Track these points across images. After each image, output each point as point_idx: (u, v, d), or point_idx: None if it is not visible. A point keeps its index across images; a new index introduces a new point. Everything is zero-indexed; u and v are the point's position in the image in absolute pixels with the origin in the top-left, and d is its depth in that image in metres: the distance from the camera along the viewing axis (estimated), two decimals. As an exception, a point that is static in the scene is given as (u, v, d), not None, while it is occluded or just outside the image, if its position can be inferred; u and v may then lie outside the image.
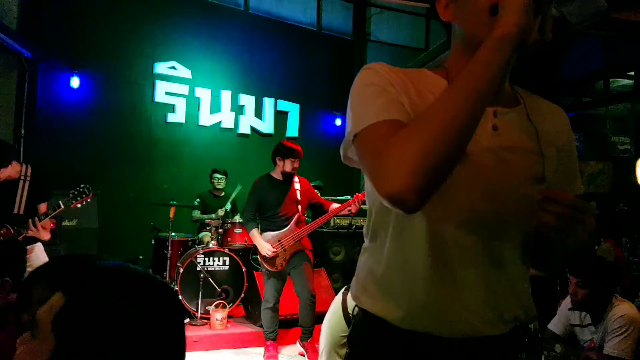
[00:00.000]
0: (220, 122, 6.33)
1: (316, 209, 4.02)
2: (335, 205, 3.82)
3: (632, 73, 5.30)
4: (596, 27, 4.48)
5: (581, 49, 5.47)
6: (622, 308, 2.36)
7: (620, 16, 3.62)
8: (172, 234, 4.61)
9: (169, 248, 4.52)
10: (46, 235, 3.16)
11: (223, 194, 5.42)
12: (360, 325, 0.99)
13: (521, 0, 0.72)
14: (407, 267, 0.88)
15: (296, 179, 3.90)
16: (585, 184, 6.07)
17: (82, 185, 3.22)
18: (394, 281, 0.90)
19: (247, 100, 6.52)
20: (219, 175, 5.38)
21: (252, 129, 6.57)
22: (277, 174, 3.83)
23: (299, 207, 3.86)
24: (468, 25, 0.87)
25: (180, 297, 4.31)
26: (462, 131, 0.71)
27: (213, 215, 5.01)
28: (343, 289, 2.48)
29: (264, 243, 3.68)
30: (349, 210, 3.69)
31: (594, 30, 4.66)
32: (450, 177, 0.74)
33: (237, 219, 4.89)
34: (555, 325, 2.64)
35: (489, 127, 0.87)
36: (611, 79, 5.63)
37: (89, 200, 3.26)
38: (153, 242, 4.95)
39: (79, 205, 3.22)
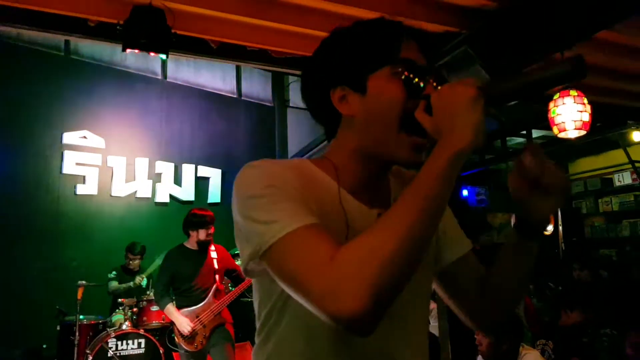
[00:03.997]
0: (135, 192, 6.09)
1: (234, 279, 3.89)
2: None
3: (524, 132, 6.00)
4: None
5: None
6: (529, 357, 2.49)
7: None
8: (81, 317, 4.22)
9: (77, 334, 4.12)
10: None
11: (139, 269, 5.09)
12: None
13: (477, 118, 0.71)
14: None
15: (212, 247, 3.78)
16: (495, 234, 6.50)
17: None
18: None
19: (165, 168, 6.36)
20: (133, 257, 5.01)
21: (171, 197, 6.38)
22: (191, 244, 3.70)
23: (217, 276, 3.72)
24: (372, 128, 0.83)
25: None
26: (422, 246, 0.68)
27: (131, 284, 4.72)
28: None
29: (182, 318, 3.48)
30: None
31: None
32: None
33: (153, 295, 4.60)
34: (473, 380, 2.71)
35: None
36: (507, 138, 6.27)
37: None
38: (58, 328, 4.49)
39: None
